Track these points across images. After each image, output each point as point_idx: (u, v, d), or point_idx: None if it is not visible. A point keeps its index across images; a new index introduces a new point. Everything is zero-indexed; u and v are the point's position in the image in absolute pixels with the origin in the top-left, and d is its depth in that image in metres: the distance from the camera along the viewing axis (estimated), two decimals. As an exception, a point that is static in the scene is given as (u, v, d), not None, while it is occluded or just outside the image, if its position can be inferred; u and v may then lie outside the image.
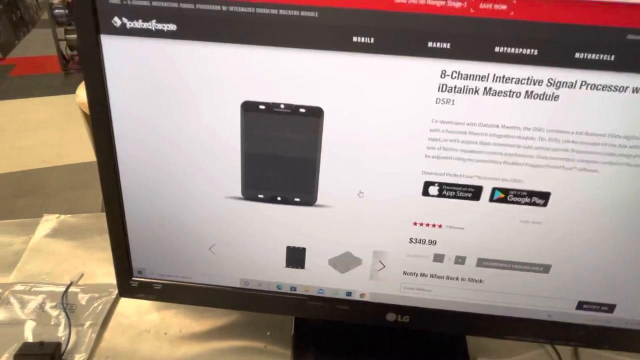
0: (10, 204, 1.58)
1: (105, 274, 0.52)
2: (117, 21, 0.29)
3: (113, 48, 0.30)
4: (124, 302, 0.49)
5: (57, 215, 0.60)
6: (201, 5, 0.28)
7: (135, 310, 0.48)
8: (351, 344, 0.44)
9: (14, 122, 2.10)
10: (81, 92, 0.97)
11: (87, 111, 0.33)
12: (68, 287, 0.49)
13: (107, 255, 0.38)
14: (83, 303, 0.47)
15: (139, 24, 0.29)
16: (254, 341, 0.45)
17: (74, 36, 2.59)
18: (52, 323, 0.45)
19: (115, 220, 0.36)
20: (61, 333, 0.44)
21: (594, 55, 0.27)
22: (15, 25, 2.98)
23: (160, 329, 0.46)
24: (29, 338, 0.43)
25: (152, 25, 0.29)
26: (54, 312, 0.46)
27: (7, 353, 0.41)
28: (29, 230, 0.58)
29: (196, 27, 0.29)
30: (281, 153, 0.32)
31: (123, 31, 0.29)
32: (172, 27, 0.29)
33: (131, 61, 0.30)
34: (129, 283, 0.38)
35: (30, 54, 2.91)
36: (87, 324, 0.45)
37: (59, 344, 0.42)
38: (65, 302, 0.47)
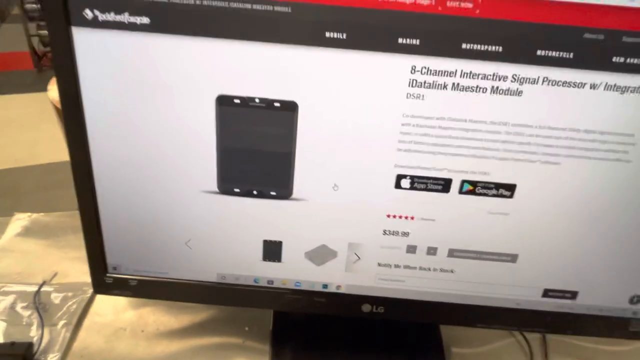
0: (-20, 205, 1.52)
1: (79, 272, 0.51)
2: (88, 13, 0.29)
3: (85, 41, 0.30)
4: (100, 300, 0.48)
5: (29, 213, 0.59)
6: (174, -1, 0.28)
7: (111, 309, 0.47)
8: (329, 338, 0.45)
9: (-17, 120, 2.02)
10: (53, 88, 0.95)
11: (60, 107, 0.33)
12: (40, 286, 0.47)
13: (82, 254, 0.37)
14: (56, 302, 0.46)
15: (111, 17, 0.29)
16: (233, 337, 0.45)
17: (47, 32, 2.51)
18: (24, 323, 0.44)
19: (89, 215, 0.35)
20: (34, 333, 0.43)
21: (554, 53, 0.28)
22: (-16, 20, 2.87)
23: (137, 327, 0.46)
24: (0, 339, 0.42)
25: (125, 18, 0.29)
26: (26, 312, 0.45)
27: (-24, 354, 0.40)
28: (0, 229, 0.56)
29: (170, 21, 0.29)
30: (257, 147, 0.32)
31: (95, 24, 0.29)
32: (145, 20, 0.29)
33: (104, 55, 0.30)
34: (104, 279, 0.38)
35: (1, 50, 2.80)
36: (61, 323, 0.45)
37: (30, 344, 0.41)
38: (38, 302, 0.46)
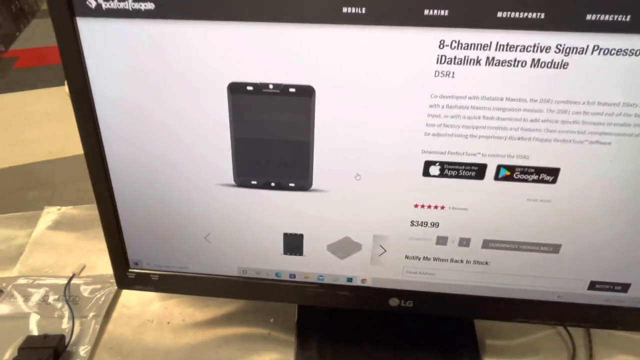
0: (20, 197, 1.60)
1: (107, 264, 0.50)
2: (92, 2, 0.28)
3: (90, 31, 0.28)
4: (126, 292, 0.48)
5: (58, 207, 0.60)
6: (178, -20, 0.26)
7: (137, 301, 0.47)
8: (355, 330, 0.43)
9: (19, 114, 2.10)
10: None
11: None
12: (70, 279, 0.48)
13: (109, 245, 0.37)
14: (86, 295, 0.47)
15: (114, 4, 0.27)
16: (258, 328, 0.45)
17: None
18: (56, 315, 0.45)
19: (107, 212, 0.35)
20: (65, 325, 0.44)
21: (606, 17, 0.25)
22: (15, 16, 2.96)
23: (163, 319, 0.46)
24: (34, 331, 0.44)
25: (129, 4, 0.27)
26: (57, 305, 0.46)
27: (12, 346, 0.42)
28: (31, 223, 0.57)
29: (175, 5, 0.27)
30: (273, 136, 0.31)
31: (99, 12, 0.28)
32: (150, 5, 0.27)
33: (110, 44, 0.29)
34: (126, 275, 0.37)
35: (32, 45, 2.89)
36: (90, 315, 0.45)
37: (62, 336, 0.42)
38: (68, 295, 0.47)
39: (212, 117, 0.30)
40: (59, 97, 2.21)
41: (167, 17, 0.27)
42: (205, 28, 0.27)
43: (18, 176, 1.71)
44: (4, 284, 0.48)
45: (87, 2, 0.28)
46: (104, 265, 0.51)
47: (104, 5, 0.27)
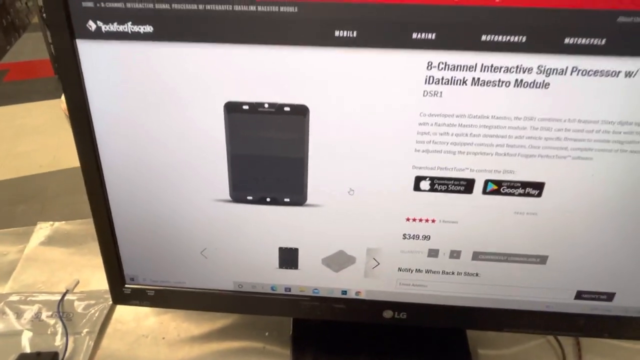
0: (9, 211, 1.58)
1: (100, 279, 0.51)
2: (92, 25, 0.28)
3: (90, 53, 0.29)
4: (121, 308, 0.48)
5: (51, 222, 0.60)
6: (177, 5, 0.27)
7: (132, 316, 0.47)
8: (351, 342, 0.44)
9: (9, 128, 2.09)
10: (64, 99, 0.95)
11: (69, 118, 0.32)
12: (64, 295, 0.48)
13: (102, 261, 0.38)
14: (79, 311, 0.47)
15: (114, 27, 0.28)
16: (253, 342, 0.45)
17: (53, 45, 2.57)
18: (49, 332, 0.45)
19: (104, 228, 0.35)
20: (58, 342, 0.44)
21: (584, 40, 0.26)
22: (6, 30, 2.95)
23: (158, 334, 0.46)
24: (26, 348, 0.43)
25: (128, 27, 0.28)
26: (51, 321, 0.46)
27: (5, 365, 0.41)
28: (24, 238, 0.57)
29: (173, 28, 0.28)
30: (268, 153, 0.31)
31: (99, 35, 0.29)
32: (149, 28, 0.28)
33: (109, 65, 0.29)
34: (122, 290, 0.38)
35: (23, 59, 2.89)
36: (85, 331, 0.45)
37: (56, 353, 0.42)
38: (62, 311, 0.47)
39: (208, 135, 0.31)
40: (50, 110, 2.20)
41: (165, 39, 0.28)
42: (202, 50, 0.28)
43: (8, 190, 1.69)
44: (-4, 301, 0.47)
45: (87, 25, 0.28)
46: (98, 281, 0.51)
47: (104, 29, 0.28)
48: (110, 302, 0.48)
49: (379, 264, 0.35)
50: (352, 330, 0.44)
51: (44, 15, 2.50)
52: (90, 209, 0.35)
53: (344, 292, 0.36)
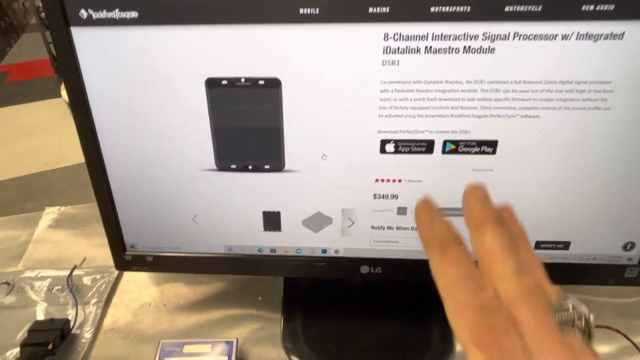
0: (19, 207, 1.63)
1: (105, 257, 0.55)
2: (83, 13, 0.32)
3: (83, 39, 0.32)
4: (125, 280, 0.52)
5: (58, 207, 0.64)
6: (157, -9, 0.30)
7: (135, 286, 0.51)
8: (336, 303, 0.47)
9: (13, 128, 2.13)
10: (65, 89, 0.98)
11: (68, 101, 0.36)
12: (72, 270, 0.52)
13: (106, 240, 0.41)
14: (87, 283, 0.51)
15: (103, 14, 0.31)
16: (247, 306, 0.49)
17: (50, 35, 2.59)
18: (61, 303, 0.49)
19: (105, 201, 0.39)
20: (69, 311, 0.48)
21: (522, 7, 0.29)
22: (5, 31, 2.99)
23: (159, 302, 0.50)
24: (41, 317, 0.47)
25: (116, 14, 0.31)
26: (62, 294, 0.50)
27: (22, 330, 0.45)
28: (33, 223, 0.61)
29: (155, 13, 0.31)
30: (248, 124, 0.35)
31: (90, 22, 0.32)
32: (134, 14, 0.31)
33: (101, 50, 0.33)
34: (123, 257, 0.41)
35: (22, 60, 2.92)
36: (92, 301, 0.49)
37: (67, 320, 0.46)
38: (71, 284, 0.51)
39: (193, 110, 0.34)
40: (52, 109, 2.24)
41: (149, 23, 0.31)
42: (182, 31, 0.31)
43: (16, 188, 1.74)
44: (11, 277, 0.52)
45: (79, 14, 0.32)
46: (102, 258, 0.55)
47: (94, 16, 0.32)
48: (115, 276, 0.52)
49: (353, 223, 0.38)
50: (339, 293, 0.48)
51: (42, 15, 2.53)
52: (92, 188, 0.38)
53: (324, 251, 0.40)
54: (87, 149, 0.37)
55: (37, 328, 0.44)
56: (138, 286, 0.51)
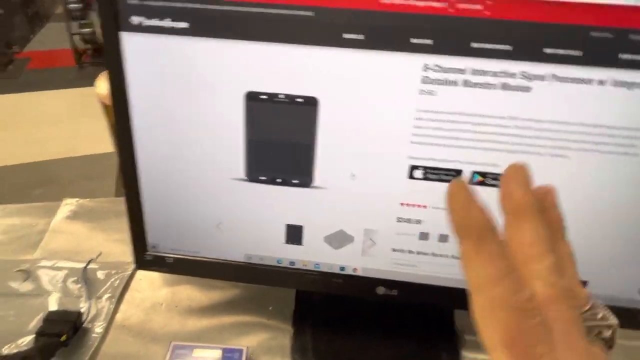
0: (27, 194, 1.65)
1: (121, 252, 0.56)
2: (134, 19, 0.33)
3: (131, 44, 0.34)
4: (138, 278, 0.53)
5: (77, 199, 0.65)
6: (209, 6, 0.31)
7: (148, 285, 0.52)
8: (348, 320, 0.48)
9: (30, 114, 2.16)
10: (100, 84, 1.01)
11: (107, 102, 0.37)
12: (88, 263, 0.53)
13: (123, 236, 0.42)
14: (101, 278, 0.52)
15: (154, 22, 0.33)
16: (257, 315, 0.49)
17: (88, 30, 2.65)
18: (75, 295, 0.49)
19: (133, 200, 0.40)
20: (82, 304, 0.48)
21: (562, 51, 0.30)
22: (31, 19, 3.05)
23: (171, 302, 0.50)
24: (54, 307, 0.48)
25: (167, 23, 0.33)
26: (76, 286, 0.50)
27: (36, 319, 0.46)
28: (51, 212, 0.62)
29: (205, 25, 0.32)
30: (281, 138, 0.36)
31: (140, 28, 0.33)
32: (185, 25, 0.32)
33: (148, 56, 0.34)
34: (144, 257, 0.42)
35: (45, 48, 2.97)
36: (106, 296, 0.50)
37: (80, 313, 0.46)
38: (85, 277, 0.51)
39: (229, 120, 0.35)
40: (70, 98, 2.27)
41: (197, 34, 0.33)
42: (229, 45, 0.33)
43: (26, 173, 1.76)
44: (27, 265, 0.52)
45: (130, 20, 0.33)
46: (118, 253, 0.55)
47: (145, 23, 0.33)
48: (129, 272, 0.53)
49: (375, 243, 0.39)
50: (350, 309, 0.48)
51: (68, 6, 2.58)
52: (123, 183, 0.39)
53: (342, 268, 0.40)
54: (123, 146, 0.38)
55: (51, 318, 0.45)
56: (151, 285, 0.52)
